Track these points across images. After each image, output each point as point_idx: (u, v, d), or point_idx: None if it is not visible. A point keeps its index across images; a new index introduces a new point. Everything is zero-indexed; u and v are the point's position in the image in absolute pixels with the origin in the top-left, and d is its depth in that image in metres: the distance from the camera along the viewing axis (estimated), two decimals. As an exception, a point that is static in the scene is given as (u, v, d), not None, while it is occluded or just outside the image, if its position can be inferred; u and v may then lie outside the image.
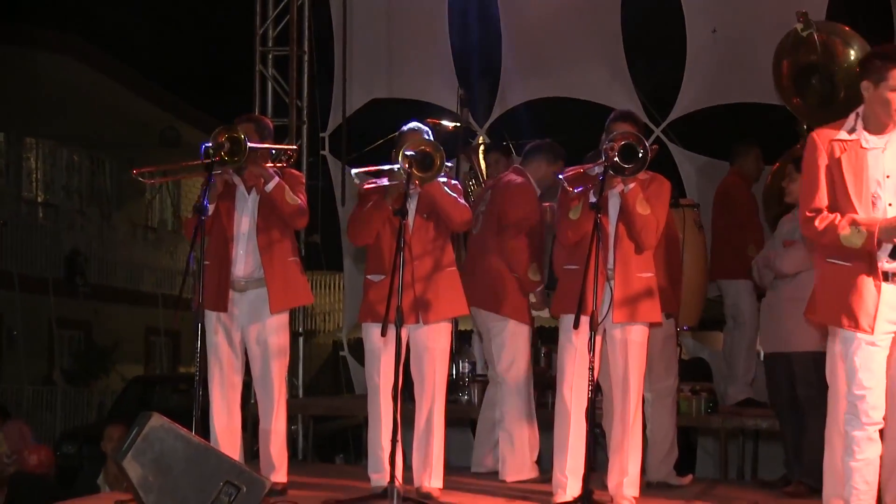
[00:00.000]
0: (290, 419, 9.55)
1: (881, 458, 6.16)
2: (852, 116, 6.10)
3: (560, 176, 7.14)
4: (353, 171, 7.79)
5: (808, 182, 6.10)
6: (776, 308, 7.92)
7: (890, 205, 5.97)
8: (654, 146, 7.01)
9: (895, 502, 6.90)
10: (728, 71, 11.23)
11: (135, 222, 25.36)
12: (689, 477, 8.42)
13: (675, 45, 11.49)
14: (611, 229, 7.05)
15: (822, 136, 6.08)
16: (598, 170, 6.91)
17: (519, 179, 8.35)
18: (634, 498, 7.18)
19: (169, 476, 5.90)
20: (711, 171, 11.02)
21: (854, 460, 6.03)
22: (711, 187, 10.47)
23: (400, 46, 11.89)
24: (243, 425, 7.73)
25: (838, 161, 5.99)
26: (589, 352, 6.75)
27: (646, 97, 11.60)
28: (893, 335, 6.04)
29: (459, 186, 7.68)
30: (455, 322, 9.27)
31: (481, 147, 10.83)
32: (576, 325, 6.73)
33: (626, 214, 7.02)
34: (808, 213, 6.03)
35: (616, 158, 6.75)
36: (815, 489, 6.83)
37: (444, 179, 7.39)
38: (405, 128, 7.57)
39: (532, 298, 8.39)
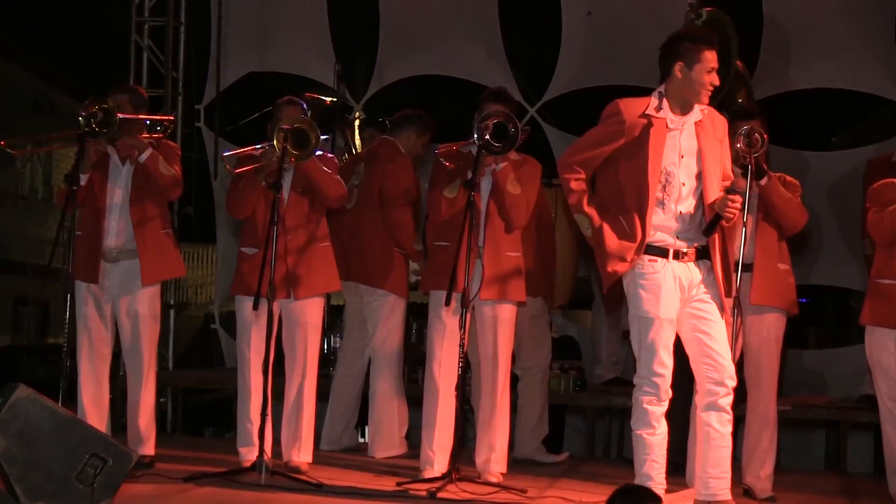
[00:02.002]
0: (160, 391, 9.52)
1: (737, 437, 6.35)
2: (655, 95, 6.25)
3: (437, 151, 7.21)
4: (225, 153, 7.77)
5: (590, 140, 6.32)
6: None
7: (683, 184, 6.18)
8: (525, 127, 7.10)
9: (756, 481, 7.11)
10: (602, 53, 11.34)
11: (5, 190, 24.89)
12: (566, 455, 8.54)
13: (550, 26, 11.59)
14: (482, 207, 7.13)
15: (629, 108, 6.23)
16: (471, 148, 6.98)
17: (394, 152, 8.37)
18: (502, 474, 7.29)
19: (34, 448, 5.84)
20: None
21: (654, 435, 6.20)
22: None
23: (277, 20, 11.83)
24: (111, 397, 7.69)
25: (642, 135, 6.14)
26: (459, 329, 6.83)
27: (521, 77, 11.68)
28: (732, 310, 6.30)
29: (336, 161, 7.71)
30: (328, 297, 9.28)
31: (357, 122, 10.84)
32: (447, 302, 6.83)
33: (497, 193, 7.11)
34: (570, 166, 6.30)
35: (488, 137, 6.83)
36: (680, 465, 6.98)
37: (320, 153, 7.42)
38: (280, 101, 7.58)
39: (414, 266, 8.44)
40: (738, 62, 7.43)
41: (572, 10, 11.41)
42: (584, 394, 9.50)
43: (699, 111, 6.22)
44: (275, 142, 7.10)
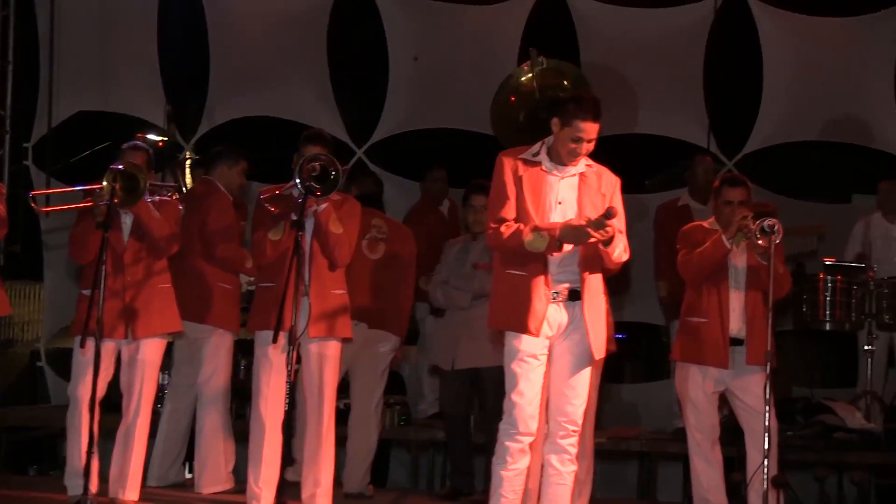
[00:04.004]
0: (-17, 430, 9.45)
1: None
2: (539, 143, 6.43)
3: (260, 196, 7.35)
4: (31, 194, 7.78)
5: (495, 197, 6.42)
6: (466, 325, 8.18)
7: None
8: (345, 167, 7.25)
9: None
10: (428, 97, 11.63)
11: None
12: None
13: (379, 70, 11.84)
14: (307, 248, 7.23)
15: (508, 156, 6.41)
16: (294, 191, 7.10)
17: (211, 190, 8.47)
18: (328, 508, 7.42)
19: None
20: (410, 192, 11.38)
21: (506, 470, 6.32)
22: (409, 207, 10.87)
23: (108, 60, 11.82)
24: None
25: (521, 179, 6.32)
26: (287, 366, 6.92)
27: (349, 119, 11.88)
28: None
29: (177, 206, 7.78)
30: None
31: (188, 162, 10.90)
32: (274, 340, 6.93)
33: (320, 233, 7.24)
34: (492, 224, 6.36)
35: (311, 181, 6.97)
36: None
37: (168, 199, 7.58)
38: (126, 146, 7.66)
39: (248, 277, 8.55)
40: None
41: (399, 55, 11.69)
42: (409, 428, 9.70)
43: (584, 165, 6.36)
44: (104, 182, 7.19)
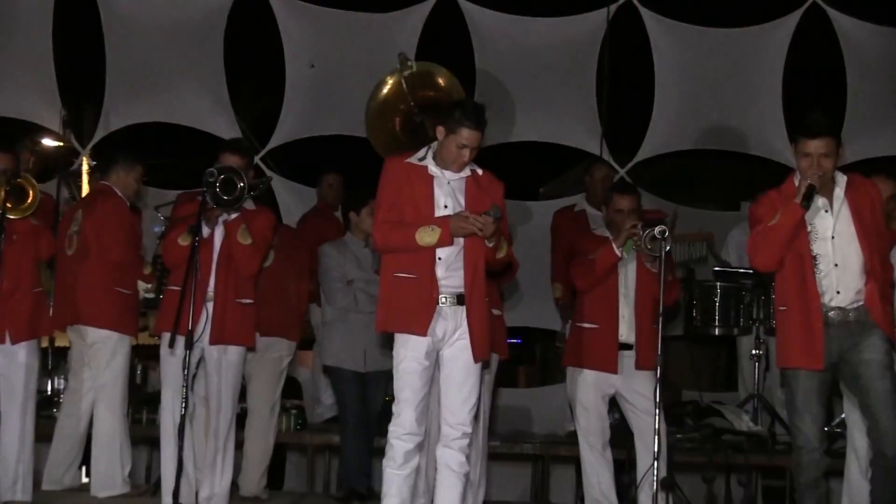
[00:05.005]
0: None
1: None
2: (425, 148, 6.57)
3: (157, 208, 7.39)
4: None
5: (382, 199, 6.53)
6: (357, 330, 8.28)
7: None
8: (266, 178, 7.28)
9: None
10: (324, 103, 11.65)
11: None
12: None
13: (276, 76, 11.87)
14: (214, 255, 7.32)
15: (394, 160, 6.59)
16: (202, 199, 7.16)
17: (107, 196, 8.46)
18: (223, 510, 7.45)
19: None
20: (308, 198, 11.41)
21: (397, 470, 6.42)
22: (305, 213, 10.92)
23: (0, 64, 11.73)
24: None
25: (409, 182, 6.46)
26: (183, 370, 6.96)
27: (247, 125, 11.88)
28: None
29: (48, 211, 7.84)
30: (51, 339, 9.34)
31: (85, 168, 10.83)
32: (171, 345, 7.00)
33: (228, 242, 7.33)
34: (379, 225, 6.49)
35: (218, 188, 7.03)
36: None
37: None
38: None
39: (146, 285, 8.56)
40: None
41: (296, 62, 11.71)
42: (305, 432, 9.75)
43: (469, 170, 6.50)
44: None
